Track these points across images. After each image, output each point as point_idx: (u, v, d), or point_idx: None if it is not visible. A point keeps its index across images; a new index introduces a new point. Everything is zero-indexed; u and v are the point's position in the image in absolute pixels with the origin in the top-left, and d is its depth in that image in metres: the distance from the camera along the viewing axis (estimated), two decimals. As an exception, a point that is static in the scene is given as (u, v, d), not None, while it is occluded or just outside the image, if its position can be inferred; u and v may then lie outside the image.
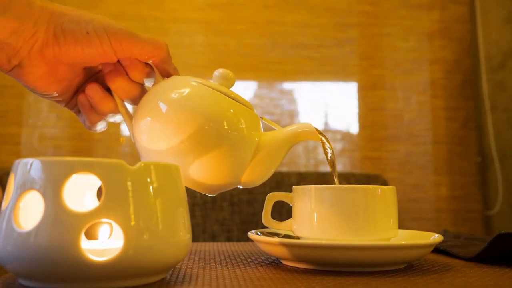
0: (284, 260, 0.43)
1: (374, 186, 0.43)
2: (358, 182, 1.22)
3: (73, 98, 0.47)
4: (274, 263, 0.44)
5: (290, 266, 0.42)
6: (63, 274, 0.29)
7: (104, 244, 0.36)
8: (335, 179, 0.46)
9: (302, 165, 1.45)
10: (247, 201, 1.16)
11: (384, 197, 0.43)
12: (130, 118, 0.47)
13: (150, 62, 0.45)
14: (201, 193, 1.16)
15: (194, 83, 0.43)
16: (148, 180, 0.32)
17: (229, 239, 1.14)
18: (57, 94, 0.45)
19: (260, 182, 0.47)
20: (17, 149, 1.40)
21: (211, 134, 0.41)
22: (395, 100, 1.50)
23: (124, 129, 1.44)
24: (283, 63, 1.48)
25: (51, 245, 0.29)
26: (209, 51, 1.48)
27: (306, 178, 1.22)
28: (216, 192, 0.47)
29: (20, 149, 1.40)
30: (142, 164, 0.32)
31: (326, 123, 1.49)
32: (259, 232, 0.49)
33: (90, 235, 0.37)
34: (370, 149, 1.48)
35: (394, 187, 0.45)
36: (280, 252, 0.41)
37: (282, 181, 1.20)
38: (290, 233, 0.49)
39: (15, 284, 0.33)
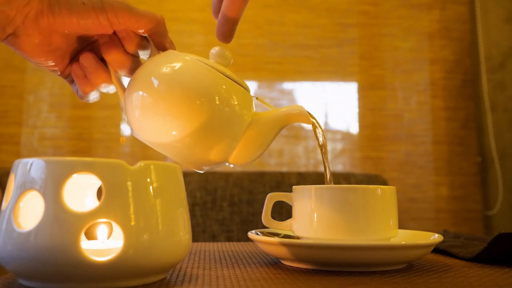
0: (284, 260, 0.43)
1: (374, 186, 0.43)
2: (358, 182, 1.22)
3: (68, 67, 0.47)
4: (274, 263, 0.44)
5: (290, 266, 0.42)
6: (63, 274, 0.29)
7: (104, 244, 0.36)
8: (326, 164, 0.46)
9: (302, 165, 1.45)
10: (247, 201, 1.16)
11: (384, 197, 0.43)
12: (123, 90, 0.46)
13: (146, 35, 0.45)
14: (201, 193, 1.16)
15: (188, 58, 0.43)
16: (148, 180, 0.32)
17: (229, 239, 1.14)
18: (53, 63, 0.45)
19: (249, 161, 0.46)
20: (17, 149, 1.40)
21: (202, 109, 0.41)
22: (395, 100, 1.50)
23: (124, 129, 1.44)
24: (283, 63, 1.48)
25: (51, 245, 0.29)
26: (209, 51, 1.48)
27: (306, 178, 1.22)
28: (205, 168, 0.47)
29: (20, 149, 1.40)
30: (142, 164, 0.32)
31: (326, 123, 1.48)
32: (259, 232, 0.49)
33: (90, 235, 0.37)
34: (370, 149, 1.48)
35: (394, 187, 0.45)
36: (280, 252, 0.41)
37: (282, 181, 1.20)
38: (290, 233, 0.49)
39: (15, 284, 0.33)
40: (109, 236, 0.38)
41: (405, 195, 1.45)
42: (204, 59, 0.44)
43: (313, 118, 0.46)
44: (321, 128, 0.46)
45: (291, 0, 1.51)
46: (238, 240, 1.13)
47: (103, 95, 0.49)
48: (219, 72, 0.43)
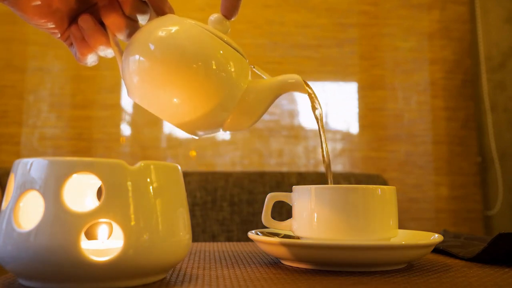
0: (284, 260, 0.43)
1: (374, 186, 0.43)
2: (358, 182, 1.22)
3: (67, 30, 0.47)
4: (274, 263, 0.44)
5: (290, 266, 0.42)
6: (63, 274, 0.29)
7: (104, 244, 0.36)
8: (322, 137, 0.46)
9: (302, 165, 1.45)
10: (247, 201, 1.16)
11: (384, 197, 0.43)
12: (120, 53, 0.46)
13: None
14: (201, 193, 1.16)
15: (187, 22, 0.43)
16: (148, 180, 0.32)
17: (229, 239, 1.14)
18: (53, 26, 0.45)
19: (243, 127, 0.46)
20: (17, 149, 1.40)
21: (198, 72, 0.41)
22: (395, 100, 1.50)
23: (124, 129, 1.44)
24: (283, 63, 1.48)
25: (51, 245, 0.29)
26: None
27: (306, 178, 1.22)
28: (199, 134, 0.47)
29: (20, 149, 1.40)
30: (142, 164, 0.32)
31: (326, 123, 1.48)
32: (259, 232, 0.49)
33: (90, 235, 0.37)
34: (370, 149, 1.48)
35: (394, 187, 0.45)
36: (280, 252, 0.41)
37: (282, 181, 1.20)
38: (290, 233, 0.49)
39: (15, 284, 0.33)
40: (109, 236, 0.38)
41: (405, 195, 1.45)
42: (202, 24, 0.44)
43: (309, 88, 0.46)
44: (317, 99, 0.47)
45: (291, 0, 1.51)
46: (238, 240, 1.13)
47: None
48: (217, 37, 0.43)
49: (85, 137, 1.42)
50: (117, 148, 1.43)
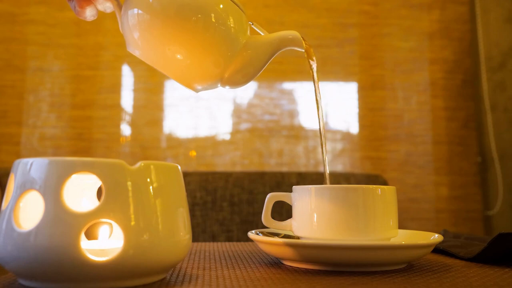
0: (284, 260, 0.43)
1: (374, 186, 0.43)
2: (358, 182, 1.22)
3: None
4: (274, 263, 0.44)
5: (290, 266, 0.42)
6: (63, 274, 0.29)
7: (104, 244, 0.36)
8: (317, 95, 0.46)
9: (302, 165, 1.45)
10: (247, 201, 1.16)
11: (384, 197, 0.43)
12: (119, 7, 0.46)
13: None
14: (201, 193, 1.16)
15: None
16: (148, 180, 0.32)
17: (229, 239, 1.14)
18: None
19: (241, 83, 0.46)
20: (17, 149, 1.40)
21: (197, 25, 0.41)
22: (395, 100, 1.50)
23: (124, 129, 1.44)
24: (283, 63, 1.48)
25: (51, 245, 0.29)
26: None
27: (306, 178, 1.22)
28: (198, 88, 0.47)
29: (20, 149, 1.40)
30: (142, 164, 0.32)
31: (326, 123, 1.48)
32: (259, 232, 0.49)
33: (90, 235, 0.37)
34: (370, 149, 1.48)
35: (394, 187, 0.45)
36: (280, 252, 0.41)
37: (282, 181, 1.20)
38: (290, 233, 0.49)
39: (15, 284, 0.33)
40: (109, 236, 0.38)
41: (405, 195, 1.45)
42: None
43: (307, 43, 0.46)
44: (314, 55, 0.47)
45: (291, 0, 1.51)
46: (238, 240, 1.13)
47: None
48: None
49: (85, 137, 1.42)
50: (117, 148, 1.43)
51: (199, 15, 0.41)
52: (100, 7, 0.47)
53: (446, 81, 1.51)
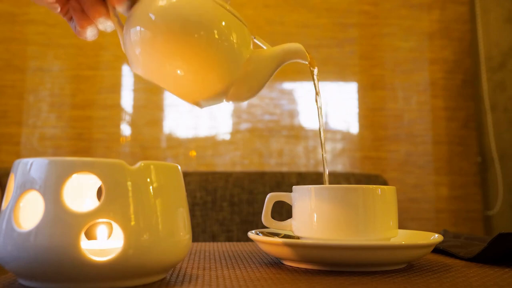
0: (284, 260, 0.43)
1: (374, 186, 0.43)
2: (358, 182, 1.22)
3: (66, 4, 0.47)
4: (274, 263, 0.44)
5: (290, 266, 0.42)
6: (63, 274, 0.29)
7: (104, 244, 0.36)
8: (317, 94, 0.47)
9: (302, 165, 1.45)
10: (247, 201, 1.16)
11: (384, 197, 0.43)
12: (121, 25, 0.46)
13: None
14: (201, 193, 1.16)
15: None
16: (148, 180, 0.32)
17: (229, 239, 1.14)
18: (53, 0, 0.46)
19: (246, 97, 0.46)
20: (17, 149, 1.40)
21: (200, 42, 0.41)
22: (395, 100, 1.50)
23: (124, 129, 1.44)
24: (283, 63, 1.48)
25: (51, 245, 0.29)
26: None
27: (306, 178, 1.22)
28: (202, 104, 0.47)
29: (20, 149, 1.40)
30: (142, 164, 0.32)
31: (326, 123, 1.48)
32: (259, 232, 0.49)
33: (90, 235, 0.37)
34: (370, 149, 1.48)
35: (394, 187, 0.45)
36: (280, 252, 0.41)
37: (282, 181, 1.20)
38: (290, 233, 0.49)
39: (15, 284, 0.33)
40: (109, 236, 0.38)
41: (405, 195, 1.45)
42: None
43: (310, 55, 0.47)
44: (316, 67, 0.47)
45: (291, 0, 1.51)
46: (238, 240, 1.13)
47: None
48: (219, 5, 0.42)
49: (85, 137, 1.42)
50: (117, 148, 1.43)
51: (202, 32, 0.41)
52: (101, 27, 0.48)
53: (446, 81, 1.51)
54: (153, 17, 0.41)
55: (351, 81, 1.51)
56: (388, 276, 0.37)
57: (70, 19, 0.48)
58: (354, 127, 1.49)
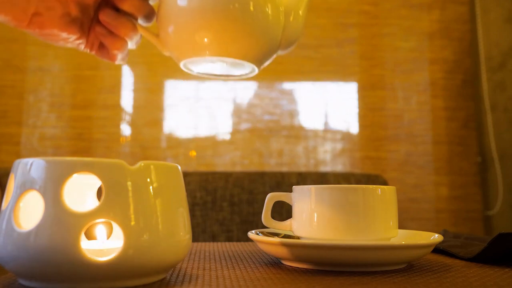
0: (284, 260, 0.43)
1: (374, 186, 0.43)
2: (358, 182, 1.22)
3: (90, 36, 0.48)
4: (274, 263, 0.44)
5: (290, 266, 0.42)
6: (63, 274, 0.29)
7: (104, 244, 0.36)
8: None
9: (302, 165, 1.45)
10: (247, 201, 1.16)
11: (384, 197, 0.43)
12: (148, 30, 0.48)
13: None
14: (201, 193, 1.16)
15: None
16: (148, 180, 0.32)
17: (229, 239, 1.14)
18: (78, 35, 0.46)
19: (297, 40, 0.50)
20: (17, 149, 1.40)
21: (237, 14, 0.43)
22: (395, 100, 1.50)
23: (124, 129, 1.44)
24: (283, 63, 1.48)
25: (51, 245, 0.29)
26: None
27: (306, 178, 1.22)
28: (260, 61, 0.50)
29: (20, 149, 1.40)
30: (142, 164, 0.32)
31: (326, 123, 1.48)
32: (259, 232, 0.49)
33: (90, 235, 0.37)
34: (370, 149, 1.48)
35: (394, 187, 0.45)
36: (280, 252, 0.41)
37: (282, 181, 1.20)
38: (290, 233, 0.49)
39: (15, 284, 0.33)
40: (109, 236, 0.38)
41: (405, 195, 1.45)
42: None
43: None
44: None
45: (291, 0, 1.51)
46: (238, 240, 1.13)
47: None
48: None
49: (85, 137, 1.42)
50: (117, 148, 1.43)
51: (237, 4, 0.43)
52: (131, 44, 0.49)
53: (446, 81, 1.51)
54: None
55: (351, 81, 1.51)
56: (388, 276, 0.37)
57: (98, 48, 0.49)
58: (354, 127, 1.49)
